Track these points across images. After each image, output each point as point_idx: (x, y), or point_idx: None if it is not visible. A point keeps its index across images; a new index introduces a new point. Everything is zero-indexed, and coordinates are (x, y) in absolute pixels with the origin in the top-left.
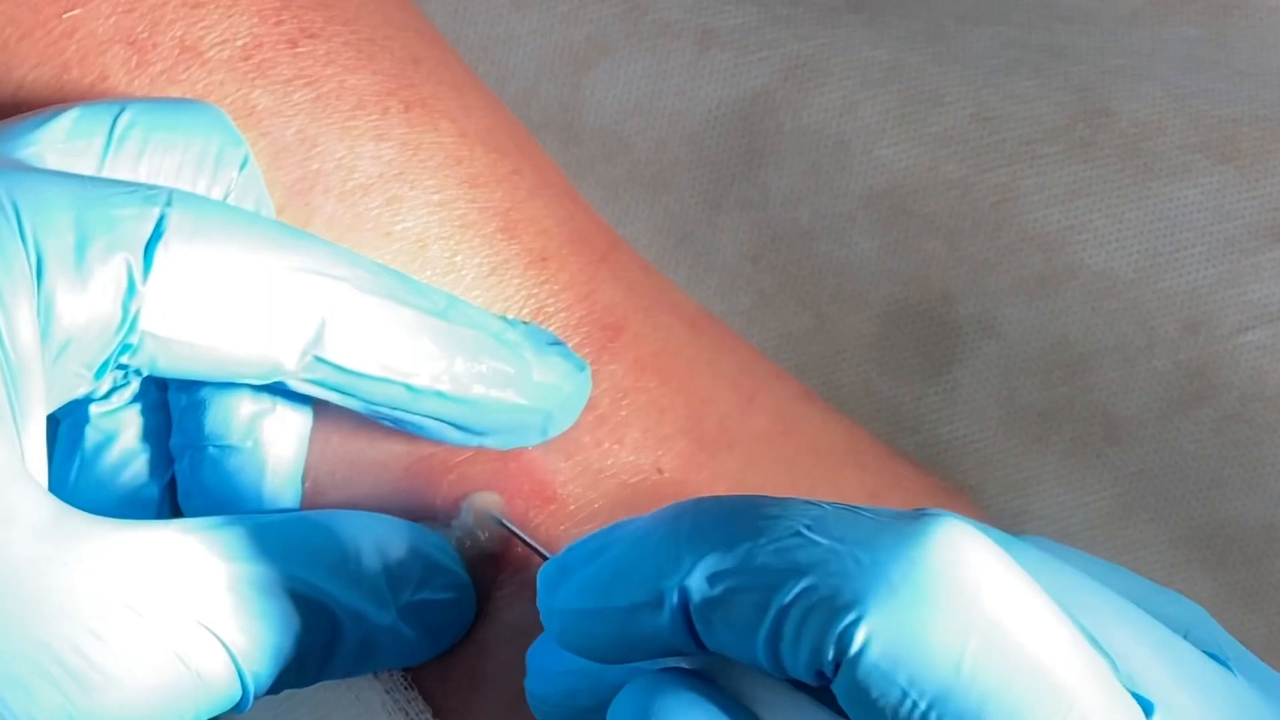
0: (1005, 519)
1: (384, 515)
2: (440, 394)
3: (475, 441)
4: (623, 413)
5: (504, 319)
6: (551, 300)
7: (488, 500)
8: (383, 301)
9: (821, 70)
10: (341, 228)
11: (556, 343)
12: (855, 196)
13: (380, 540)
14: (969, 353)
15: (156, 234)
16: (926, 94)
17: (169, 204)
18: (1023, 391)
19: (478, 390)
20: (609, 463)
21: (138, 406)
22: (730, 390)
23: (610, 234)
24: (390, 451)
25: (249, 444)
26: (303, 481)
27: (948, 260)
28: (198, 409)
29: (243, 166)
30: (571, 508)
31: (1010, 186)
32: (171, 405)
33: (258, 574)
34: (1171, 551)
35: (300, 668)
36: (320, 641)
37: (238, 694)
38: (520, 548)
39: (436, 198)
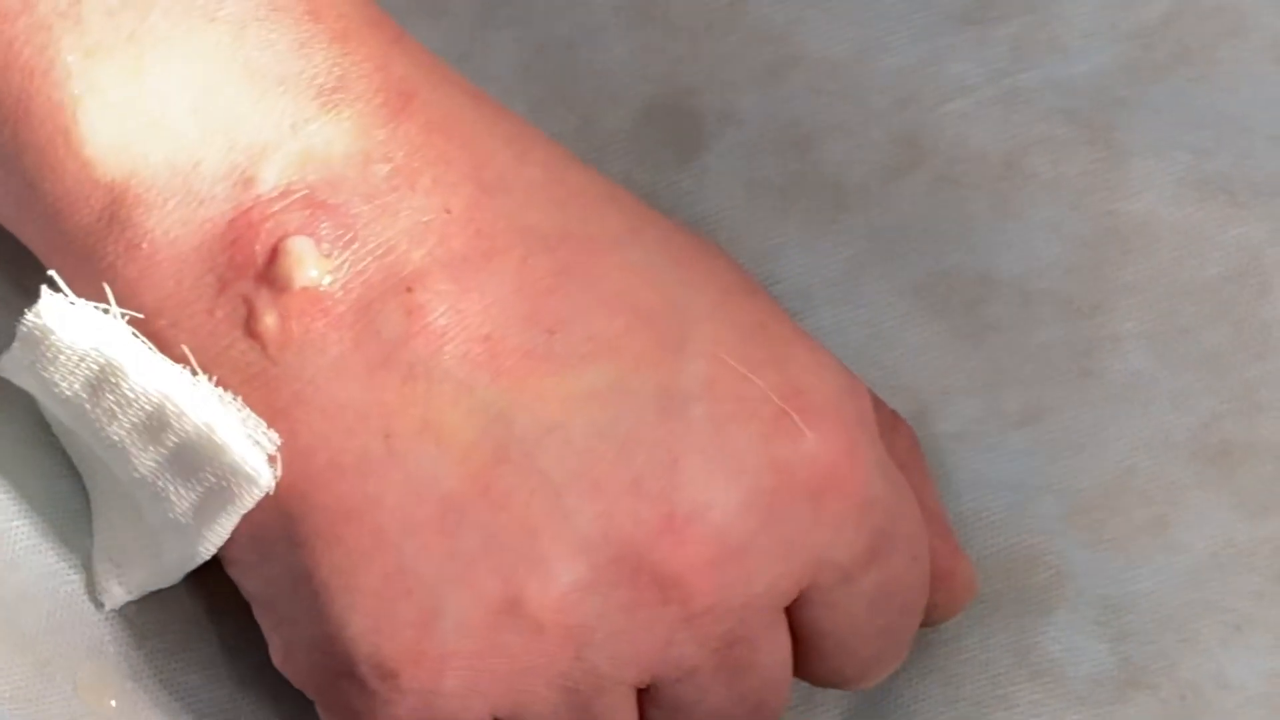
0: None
1: None
2: None
3: None
4: (415, 164)
5: None
6: (354, 69)
7: (300, 244)
8: None
9: None
10: (176, 15)
11: None
12: (606, 8)
13: None
14: (714, 140)
15: None
16: None
17: None
18: (763, 170)
19: None
20: (404, 204)
21: None
22: (506, 147)
23: (399, 27)
24: (217, 209)
25: None
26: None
27: (690, 58)
28: None
29: None
30: (372, 244)
31: None
32: None
33: None
34: (901, 302)
35: None
36: None
37: None
38: None
39: None
